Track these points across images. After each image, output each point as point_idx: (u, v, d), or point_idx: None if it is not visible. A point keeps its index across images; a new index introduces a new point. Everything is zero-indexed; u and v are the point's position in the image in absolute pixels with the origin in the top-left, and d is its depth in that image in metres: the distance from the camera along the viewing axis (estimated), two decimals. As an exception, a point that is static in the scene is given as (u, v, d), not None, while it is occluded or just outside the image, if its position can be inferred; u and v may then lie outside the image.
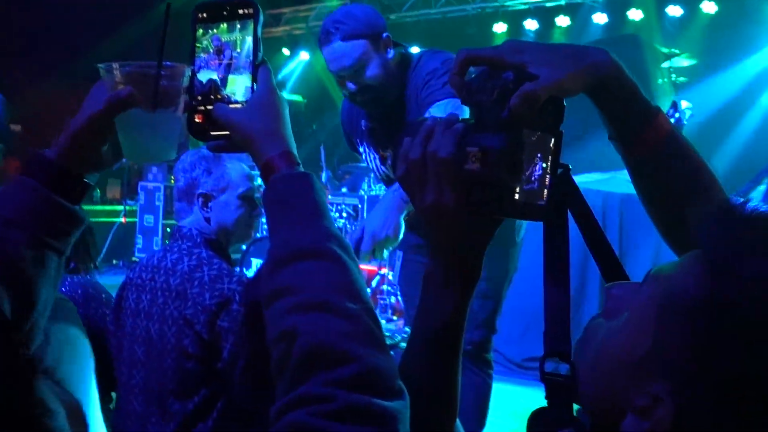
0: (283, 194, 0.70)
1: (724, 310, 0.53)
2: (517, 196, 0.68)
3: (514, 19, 7.37)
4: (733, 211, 0.59)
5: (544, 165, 0.69)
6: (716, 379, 0.53)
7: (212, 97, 0.76)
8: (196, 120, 0.76)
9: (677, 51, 6.38)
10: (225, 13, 0.77)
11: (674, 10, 6.54)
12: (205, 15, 0.77)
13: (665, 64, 6.51)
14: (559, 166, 0.71)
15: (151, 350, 1.55)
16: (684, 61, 6.29)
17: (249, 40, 0.76)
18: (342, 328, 0.60)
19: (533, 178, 0.69)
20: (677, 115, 3.71)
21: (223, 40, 0.77)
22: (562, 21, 7.20)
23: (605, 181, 4.21)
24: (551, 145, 0.69)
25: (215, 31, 0.77)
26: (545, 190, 0.69)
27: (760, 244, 0.55)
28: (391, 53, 1.91)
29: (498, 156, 0.66)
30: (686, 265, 0.58)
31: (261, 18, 0.76)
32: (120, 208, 7.10)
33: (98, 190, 7.27)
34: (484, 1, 7.19)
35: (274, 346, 0.62)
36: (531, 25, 7.33)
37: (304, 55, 8.83)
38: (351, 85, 1.87)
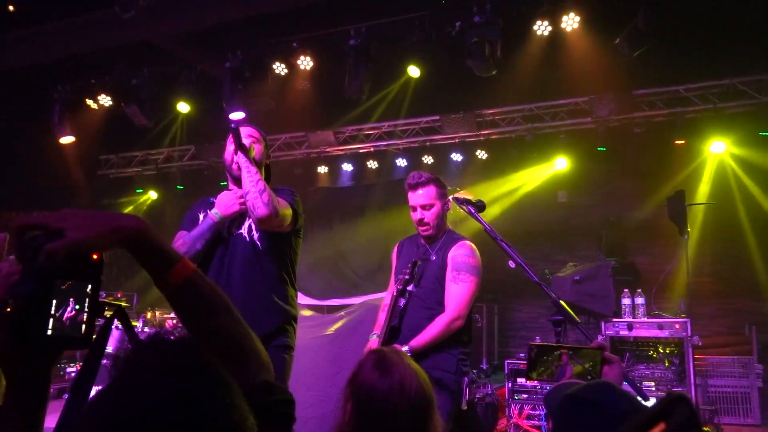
0: None
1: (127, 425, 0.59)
2: (50, 332, 0.75)
3: (333, 161, 8.68)
4: (156, 340, 0.68)
5: (78, 306, 0.76)
6: None
7: None
8: None
9: (458, 189, 7.81)
10: None
11: (457, 156, 8.10)
12: None
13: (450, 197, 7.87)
14: (108, 307, 0.80)
15: None
16: (462, 194, 7.69)
17: None
18: None
19: (66, 317, 0.75)
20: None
21: None
22: (372, 164, 8.57)
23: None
24: (88, 290, 0.78)
25: None
26: (83, 326, 0.77)
27: (142, 370, 0.62)
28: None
29: (24, 301, 0.75)
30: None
31: None
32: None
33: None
34: (309, 148, 8.43)
35: None
36: (347, 167, 8.66)
37: (152, 193, 9.56)
38: None
